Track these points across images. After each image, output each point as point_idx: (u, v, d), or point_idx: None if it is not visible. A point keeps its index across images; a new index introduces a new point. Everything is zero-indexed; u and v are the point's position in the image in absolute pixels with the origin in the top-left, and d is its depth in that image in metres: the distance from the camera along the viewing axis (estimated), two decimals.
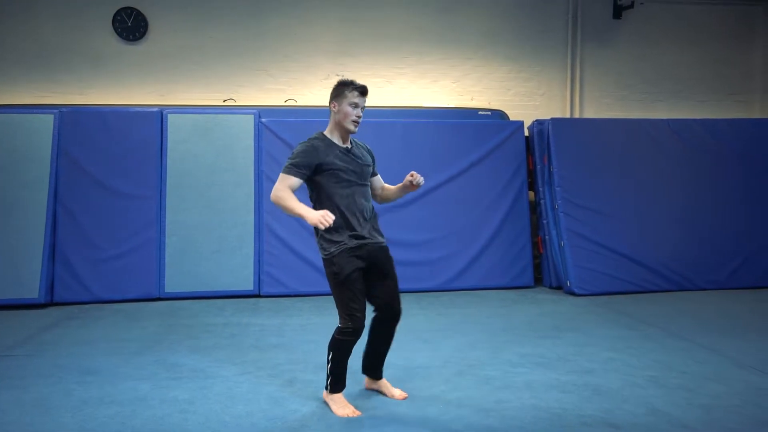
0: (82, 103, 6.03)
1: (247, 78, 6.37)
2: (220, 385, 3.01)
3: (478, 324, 4.31)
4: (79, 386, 3.01)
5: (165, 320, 4.51)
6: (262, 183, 5.54)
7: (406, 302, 4.99)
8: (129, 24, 6.18)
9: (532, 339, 3.87)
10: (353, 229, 2.65)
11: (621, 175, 5.82)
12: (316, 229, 2.64)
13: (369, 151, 2.89)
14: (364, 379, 2.94)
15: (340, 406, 2.66)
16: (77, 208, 5.27)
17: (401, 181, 2.84)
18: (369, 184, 2.83)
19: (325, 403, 2.72)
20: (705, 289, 5.59)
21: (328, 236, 2.65)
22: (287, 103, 6.31)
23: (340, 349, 2.66)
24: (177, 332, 4.13)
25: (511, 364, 3.33)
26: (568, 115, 6.74)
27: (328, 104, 2.76)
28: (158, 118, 5.47)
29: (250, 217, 5.49)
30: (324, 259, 2.66)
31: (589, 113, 6.80)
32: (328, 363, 2.70)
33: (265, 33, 6.39)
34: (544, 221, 5.84)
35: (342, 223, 2.64)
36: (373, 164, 2.86)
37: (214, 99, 6.30)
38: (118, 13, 6.16)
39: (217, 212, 5.46)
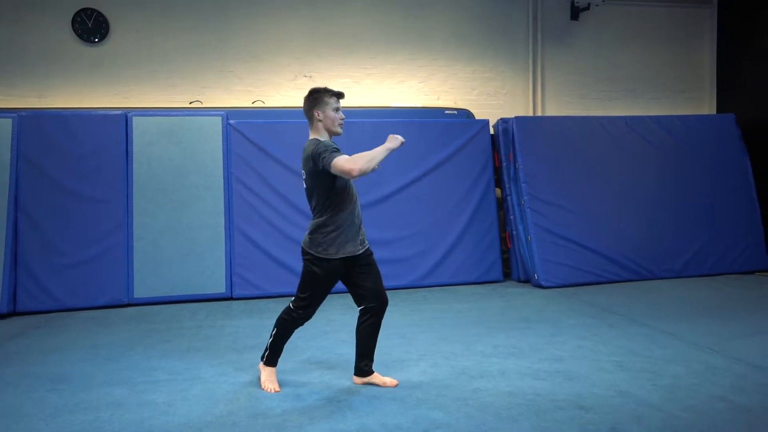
0: (42, 106, 5.86)
1: (213, 79, 6.31)
2: (199, 387, 3.00)
3: (451, 318, 4.41)
4: (52, 394, 2.96)
5: (136, 326, 4.44)
6: (232, 185, 5.51)
7: None
8: (89, 25, 6.03)
9: (503, 331, 3.99)
10: (349, 240, 2.79)
11: (582, 170, 6.04)
12: (317, 225, 2.77)
13: None
14: (354, 377, 3.01)
15: (270, 380, 2.93)
16: (39, 214, 5.11)
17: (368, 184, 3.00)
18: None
19: (259, 373, 3.01)
20: (663, 278, 5.86)
21: (322, 238, 2.76)
22: (255, 105, 6.29)
23: (284, 327, 2.91)
24: (149, 337, 4.07)
25: (485, 355, 3.43)
26: (531, 113, 6.94)
27: (305, 113, 2.85)
28: (122, 121, 5.37)
29: (221, 219, 5.45)
30: (308, 252, 2.78)
31: (551, 111, 7.02)
32: (270, 337, 2.95)
33: (230, 33, 6.35)
34: (511, 217, 6.01)
35: (343, 229, 2.76)
36: None
37: (179, 101, 6.21)
38: (77, 14, 6.01)
39: (186, 215, 5.39)
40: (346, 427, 2.46)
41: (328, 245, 2.76)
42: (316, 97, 2.81)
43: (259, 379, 2.99)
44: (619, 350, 3.46)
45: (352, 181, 2.80)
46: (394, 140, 2.67)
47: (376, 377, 2.96)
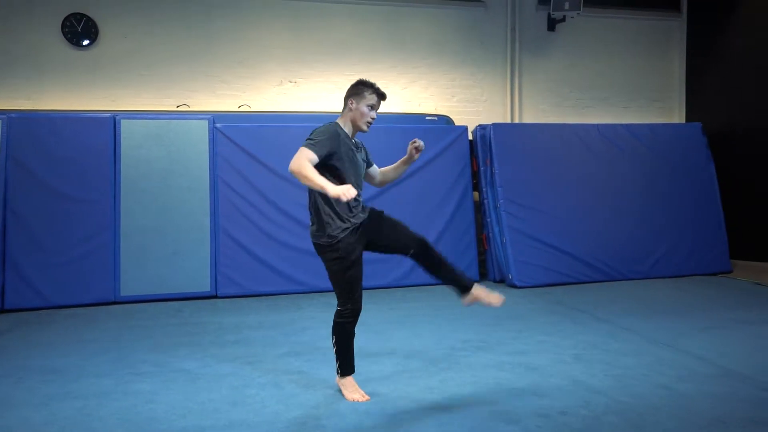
0: (31, 108, 5.99)
1: (200, 84, 6.49)
2: (182, 378, 3.18)
3: (426, 316, 4.63)
4: (42, 384, 3.12)
5: (122, 322, 4.60)
6: (218, 187, 5.68)
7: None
8: (79, 29, 6.18)
9: (474, 327, 4.21)
10: (349, 215, 2.75)
11: (556, 175, 6.29)
12: (317, 215, 2.72)
13: (362, 146, 2.97)
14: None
15: (351, 390, 2.81)
16: (28, 213, 5.25)
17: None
18: (363, 175, 2.94)
19: (339, 390, 2.87)
20: (631, 279, 6.13)
21: (328, 222, 2.71)
22: (241, 109, 6.46)
23: (341, 332, 2.79)
24: (135, 333, 4.24)
25: (455, 349, 3.65)
26: (508, 120, 7.19)
27: (344, 98, 2.85)
28: (111, 123, 5.53)
29: (206, 220, 5.62)
30: (322, 246, 2.74)
31: (528, 118, 7.28)
32: (333, 348, 2.83)
33: (217, 39, 6.53)
34: (488, 219, 6.25)
35: (339, 213, 2.72)
36: (368, 156, 2.98)
37: (167, 105, 6.38)
38: (67, 18, 6.15)
39: (173, 216, 5.55)
40: (319, 413, 2.66)
41: (330, 222, 2.70)
42: (359, 88, 2.80)
43: (340, 392, 2.84)
44: (580, 344, 3.70)
45: (343, 171, 2.74)
46: (335, 191, 2.44)
47: (478, 290, 2.95)
